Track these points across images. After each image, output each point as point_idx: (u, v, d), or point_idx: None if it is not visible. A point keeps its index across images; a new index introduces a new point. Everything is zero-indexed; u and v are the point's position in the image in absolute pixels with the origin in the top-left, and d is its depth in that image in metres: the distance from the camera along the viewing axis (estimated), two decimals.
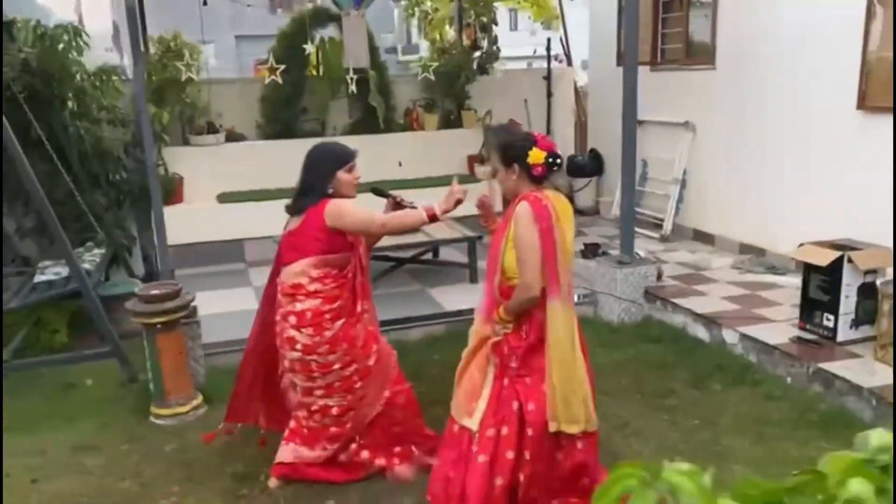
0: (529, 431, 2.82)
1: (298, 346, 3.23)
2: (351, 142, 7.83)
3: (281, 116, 7.51)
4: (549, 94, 8.74)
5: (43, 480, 3.58)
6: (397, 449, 3.46)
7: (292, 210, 3.28)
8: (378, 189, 3.51)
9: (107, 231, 5.99)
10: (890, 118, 4.93)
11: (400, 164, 7.85)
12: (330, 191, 3.19)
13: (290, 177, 7.40)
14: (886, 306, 4.04)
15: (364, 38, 6.41)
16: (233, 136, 7.41)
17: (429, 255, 6.71)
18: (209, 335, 4.71)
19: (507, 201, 3.16)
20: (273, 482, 3.44)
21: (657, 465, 0.82)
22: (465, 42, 7.89)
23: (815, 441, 3.69)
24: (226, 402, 4.37)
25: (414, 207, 3.26)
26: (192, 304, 4.27)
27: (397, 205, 3.34)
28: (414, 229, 3.26)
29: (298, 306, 3.20)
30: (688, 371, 4.56)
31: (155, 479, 3.58)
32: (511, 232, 2.81)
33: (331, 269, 3.22)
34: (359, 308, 3.30)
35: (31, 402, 4.42)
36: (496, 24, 8.60)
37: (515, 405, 2.85)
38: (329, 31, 7.69)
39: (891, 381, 3.77)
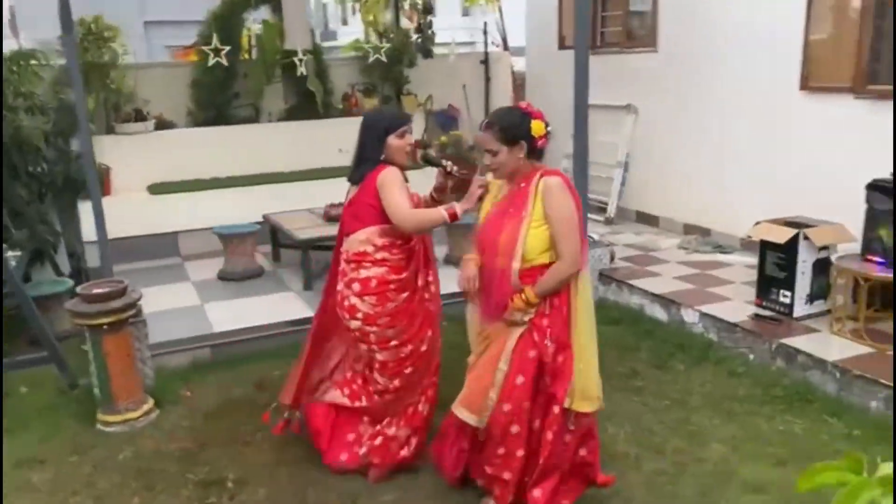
0: (555, 409, 2.76)
1: (359, 315, 3.11)
2: (289, 128, 7.65)
3: (214, 102, 7.18)
4: (488, 79, 8.70)
5: None
6: (403, 451, 3.33)
7: (352, 179, 3.16)
8: (428, 156, 3.30)
9: (30, 227, 5.57)
10: (832, 98, 5.08)
11: (340, 151, 7.64)
12: (383, 157, 3.06)
13: (226, 165, 7.16)
14: (841, 281, 4.15)
15: (305, 19, 6.16)
16: (162, 124, 7.04)
17: None
18: (153, 335, 4.43)
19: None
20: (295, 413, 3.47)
21: (856, 461, 0.73)
22: (410, 25, 7.73)
23: (781, 415, 3.76)
24: (178, 403, 4.17)
25: (465, 175, 3.14)
26: (139, 302, 3.99)
27: (448, 174, 3.18)
28: (434, 228, 3.11)
29: (363, 273, 3.09)
30: (649, 352, 4.58)
31: (111, 491, 3.32)
32: (537, 211, 2.68)
33: (395, 238, 3.07)
34: (420, 281, 3.18)
35: None
36: (431, 8, 8.48)
37: (527, 404, 2.77)
38: (262, 14, 7.40)
39: (853, 353, 3.87)
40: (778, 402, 3.87)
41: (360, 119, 8.08)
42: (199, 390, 4.30)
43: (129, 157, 6.71)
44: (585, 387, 2.76)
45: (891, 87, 4.67)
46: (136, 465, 3.52)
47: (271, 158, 7.31)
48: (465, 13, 8.00)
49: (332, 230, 5.71)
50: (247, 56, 7.36)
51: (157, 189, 6.75)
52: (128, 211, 6.49)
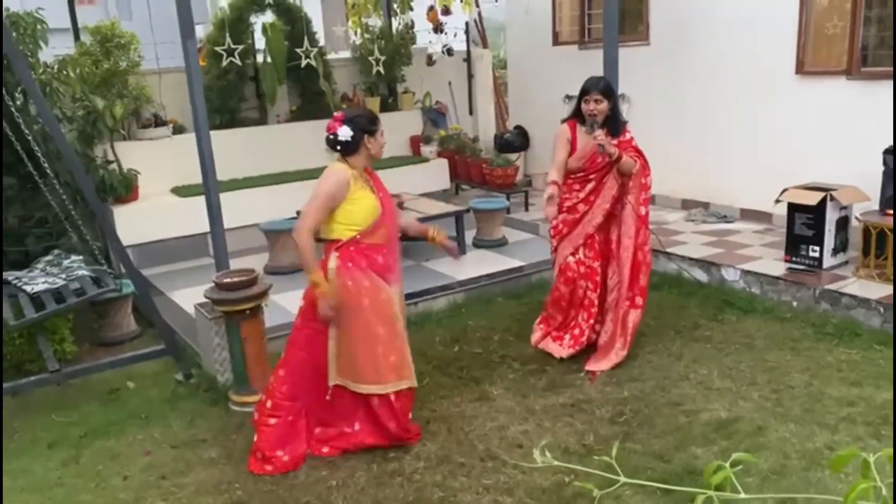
0: None
1: None
2: (299, 128, 7.83)
3: (227, 105, 7.32)
4: (471, 76, 9.16)
5: (171, 476, 3.48)
6: None
7: None
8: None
9: (80, 233, 5.62)
10: (823, 82, 5.84)
11: None
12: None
13: (239, 167, 7.30)
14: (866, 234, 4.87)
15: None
16: (177, 129, 7.13)
17: None
18: None
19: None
20: None
21: None
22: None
23: (837, 348, 4.41)
24: None
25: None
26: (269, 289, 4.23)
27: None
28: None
29: None
30: (700, 308, 5.17)
31: None
32: None
33: None
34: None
35: (90, 409, 4.19)
36: (411, 10, 8.85)
37: None
38: (266, 17, 7.58)
39: (887, 293, 4.59)
40: (830, 337, 4.53)
41: None
42: None
43: (152, 162, 6.77)
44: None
45: (880, 70, 5.48)
46: None
47: (283, 158, 7.51)
48: (445, 12, 8.32)
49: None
50: (252, 59, 7.51)
51: (181, 192, 6.84)
52: (156, 215, 6.59)
